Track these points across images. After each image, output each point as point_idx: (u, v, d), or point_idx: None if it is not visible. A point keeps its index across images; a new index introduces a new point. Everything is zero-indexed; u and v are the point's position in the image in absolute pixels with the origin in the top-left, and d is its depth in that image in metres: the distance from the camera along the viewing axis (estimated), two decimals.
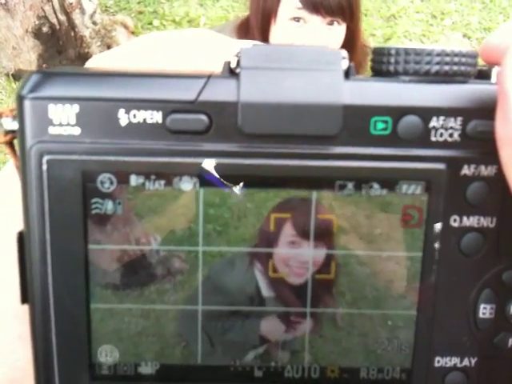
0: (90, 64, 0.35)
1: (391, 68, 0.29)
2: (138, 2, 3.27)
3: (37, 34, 2.84)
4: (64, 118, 0.28)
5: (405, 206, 0.29)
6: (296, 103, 0.28)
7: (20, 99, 0.28)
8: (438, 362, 0.31)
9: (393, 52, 0.29)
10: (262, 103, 0.28)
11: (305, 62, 0.28)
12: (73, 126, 0.28)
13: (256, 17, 1.56)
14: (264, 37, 1.55)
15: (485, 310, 0.30)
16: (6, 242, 0.32)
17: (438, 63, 0.28)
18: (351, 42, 1.57)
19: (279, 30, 1.53)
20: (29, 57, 2.91)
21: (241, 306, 0.31)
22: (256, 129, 0.28)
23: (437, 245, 0.30)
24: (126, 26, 3.10)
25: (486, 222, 0.30)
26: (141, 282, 0.30)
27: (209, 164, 0.28)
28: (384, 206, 0.29)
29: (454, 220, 0.29)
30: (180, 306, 0.30)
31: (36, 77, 0.28)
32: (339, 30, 1.53)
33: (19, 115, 0.28)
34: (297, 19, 1.50)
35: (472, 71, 0.29)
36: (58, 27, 2.86)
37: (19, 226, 0.30)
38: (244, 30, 1.62)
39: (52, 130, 0.28)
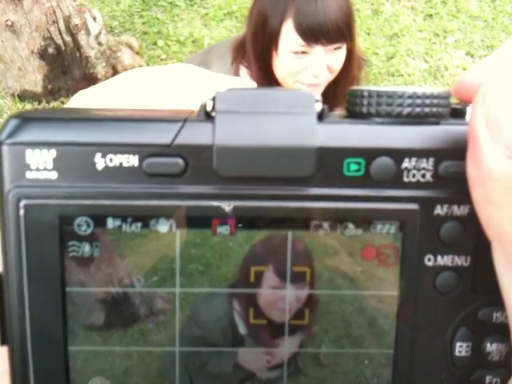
0: (75, 100, 0.36)
1: (364, 110, 0.29)
2: (143, 23, 3.29)
3: (42, 54, 2.87)
4: (41, 163, 0.28)
5: (380, 246, 0.30)
6: (270, 146, 0.28)
7: None
8: None
9: (365, 94, 0.29)
10: (236, 146, 0.28)
11: (279, 106, 0.28)
12: (50, 170, 0.28)
13: (254, 47, 1.56)
14: (262, 63, 1.56)
15: (461, 348, 0.31)
16: None
17: (409, 105, 0.29)
18: (349, 59, 1.57)
19: (282, 63, 1.53)
20: (34, 77, 2.93)
21: (219, 345, 0.31)
22: (231, 171, 0.28)
23: (412, 284, 0.30)
24: (130, 47, 3.12)
25: (460, 260, 0.30)
26: (120, 323, 0.30)
27: (185, 206, 0.29)
28: (359, 246, 0.30)
29: (429, 259, 0.30)
30: (161, 347, 0.31)
31: (14, 122, 0.29)
32: (341, 52, 1.53)
33: None
34: (299, 52, 1.50)
35: (444, 112, 0.29)
36: (63, 48, 2.88)
37: None
38: (241, 51, 1.62)
39: (29, 175, 0.28)
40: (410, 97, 0.29)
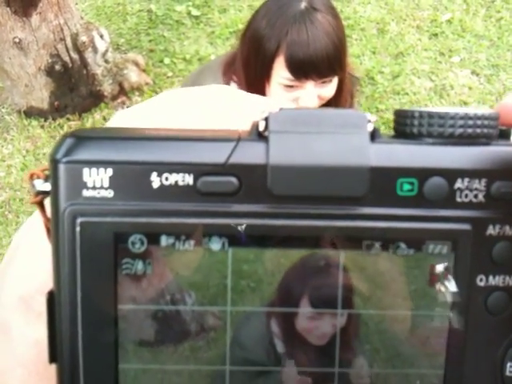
0: (114, 120, 0.36)
1: (415, 130, 0.29)
2: (149, 41, 3.31)
3: (49, 71, 2.88)
4: (98, 181, 0.29)
5: (432, 266, 0.30)
6: (324, 166, 0.28)
7: (54, 163, 0.29)
8: None
9: (416, 115, 0.29)
10: (290, 166, 0.28)
11: (331, 126, 0.29)
12: (106, 188, 0.29)
13: (245, 74, 1.57)
14: (253, 89, 1.54)
15: (511, 368, 0.31)
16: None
17: (461, 126, 0.29)
18: (340, 89, 1.59)
19: (274, 93, 1.54)
20: (41, 94, 2.94)
21: (264, 365, 0.31)
22: (285, 190, 0.29)
23: (464, 304, 0.30)
24: (137, 64, 3.13)
25: (511, 281, 0.30)
26: (171, 340, 0.31)
27: (238, 225, 0.29)
28: (411, 266, 0.30)
29: (481, 279, 0.30)
30: (211, 365, 0.31)
31: (70, 141, 0.29)
32: (332, 84, 1.55)
33: (53, 178, 0.29)
34: (290, 86, 1.51)
35: (494, 133, 0.30)
36: (70, 65, 2.90)
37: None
38: (231, 67, 1.64)
39: (86, 193, 0.29)
40: (461, 118, 0.29)
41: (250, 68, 1.56)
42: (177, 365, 0.30)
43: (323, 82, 1.52)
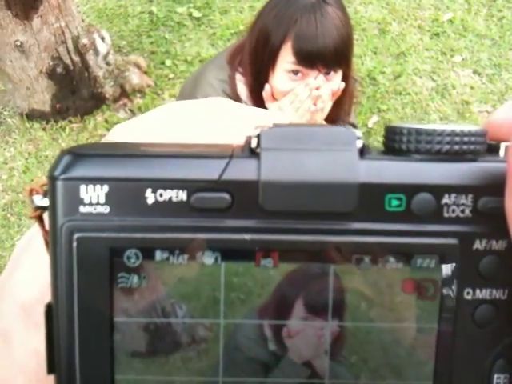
0: (112, 134, 0.37)
1: (403, 146, 0.30)
2: (151, 43, 3.31)
3: (51, 74, 2.88)
4: (94, 198, 0.29)
5: (420, 279, 0.30)
6: (314, 182, 0.29)
7: (52, 180, 0.29)
8: None
9: (405, 131, 0.30)
10: (281, 182, 0.29)
11: (321, 143, 0.29)
12: (102, 204, 0.29)
13: (252, 63, 1.61)
14: (258, 79, 1.61)
15: (499, 380, 0.31)
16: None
17: (448, 143, 0.30)
18: (344, 81, 1.62)
19: (278, 81, 1.58)
20: (43, 97, 2.95)
21: (263, 361, 0.32)
22: (276, 206, 0.29)
23: (452, 316, 0.30)
24: (138, 66, 3.14)
25: (498, 294, 0.31)
26: (166, 351, 0.31)
27: (230, 239, 0.30)
28: (400, 279, 0.30)
29: (468, 292, 0.30)
30: (203, 376, 0.31)
31: (67, 158, 0.30)
32: (336, 77, 1.58)
33: (51, 194, 0.29)
34: (295, 72, 1.55)
35: (481, 149, 0.30)
36: (71, 68, 2.90)
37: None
38: (237, 58, 1.67)
39: (82, 209, 0.29)
40: (448, 135, 0.30)
41: (257, 58, 1.59)
42: (169, 376, 0.31)
43: (327, 74, 1.55)
